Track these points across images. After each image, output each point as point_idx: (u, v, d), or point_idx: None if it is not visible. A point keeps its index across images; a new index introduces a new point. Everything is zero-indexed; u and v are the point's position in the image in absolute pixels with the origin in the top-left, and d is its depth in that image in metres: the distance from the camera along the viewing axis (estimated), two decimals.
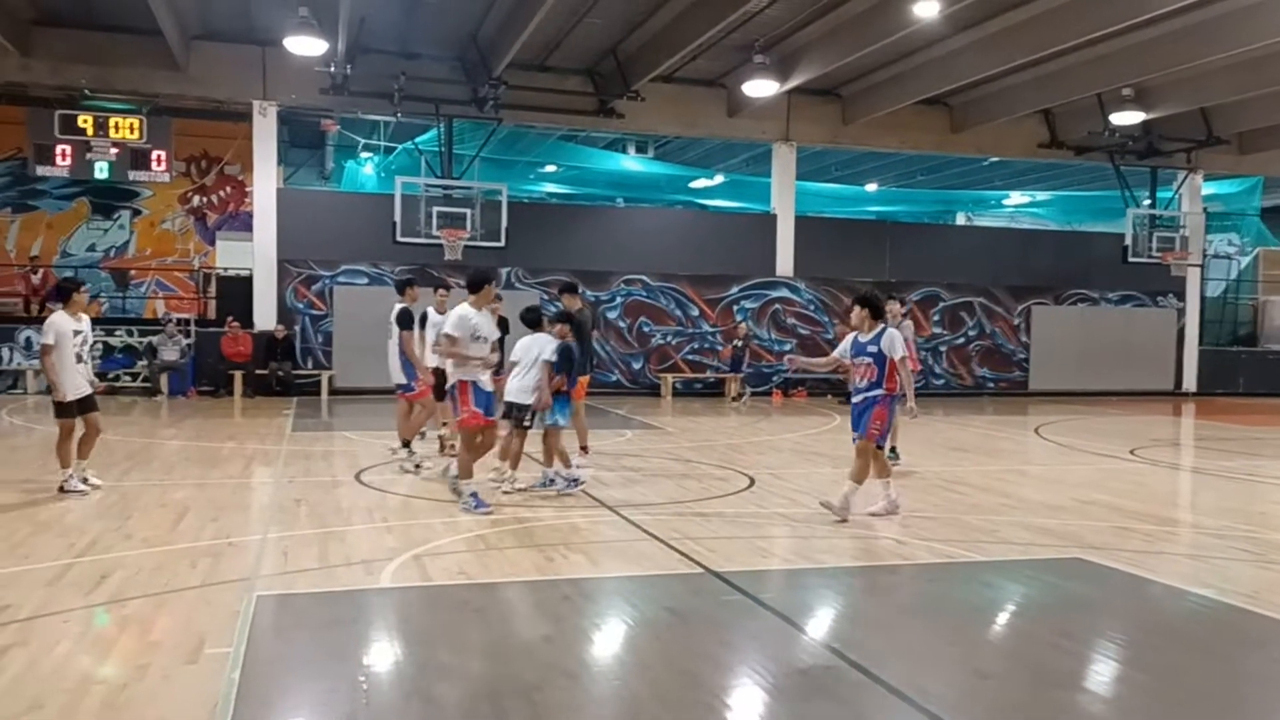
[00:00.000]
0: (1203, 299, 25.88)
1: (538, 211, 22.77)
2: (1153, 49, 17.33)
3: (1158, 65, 17.78)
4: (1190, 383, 25.05)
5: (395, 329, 10.40)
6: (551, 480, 9.07)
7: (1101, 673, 4.92)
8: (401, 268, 19.71)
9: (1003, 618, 5.97)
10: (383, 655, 4.87)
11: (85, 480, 8.84)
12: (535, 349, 8.86)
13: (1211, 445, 15.20)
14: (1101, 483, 10.49)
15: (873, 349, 8.17)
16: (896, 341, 8.13)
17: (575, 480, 9.09)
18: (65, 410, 8.74)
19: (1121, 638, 5.40)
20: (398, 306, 10.49)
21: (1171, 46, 17.02)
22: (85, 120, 18.68)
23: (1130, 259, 22.55)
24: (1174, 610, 6.12)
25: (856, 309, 8.32)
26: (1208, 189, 26.02)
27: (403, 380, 10.46)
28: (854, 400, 8.37)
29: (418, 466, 10.19)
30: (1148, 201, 23.87)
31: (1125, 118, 20.04)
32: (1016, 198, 31.90)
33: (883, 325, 8.27)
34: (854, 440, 8.33)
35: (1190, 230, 23.11)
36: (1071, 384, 23.63)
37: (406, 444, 10.45)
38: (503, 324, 9.94)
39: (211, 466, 10.66)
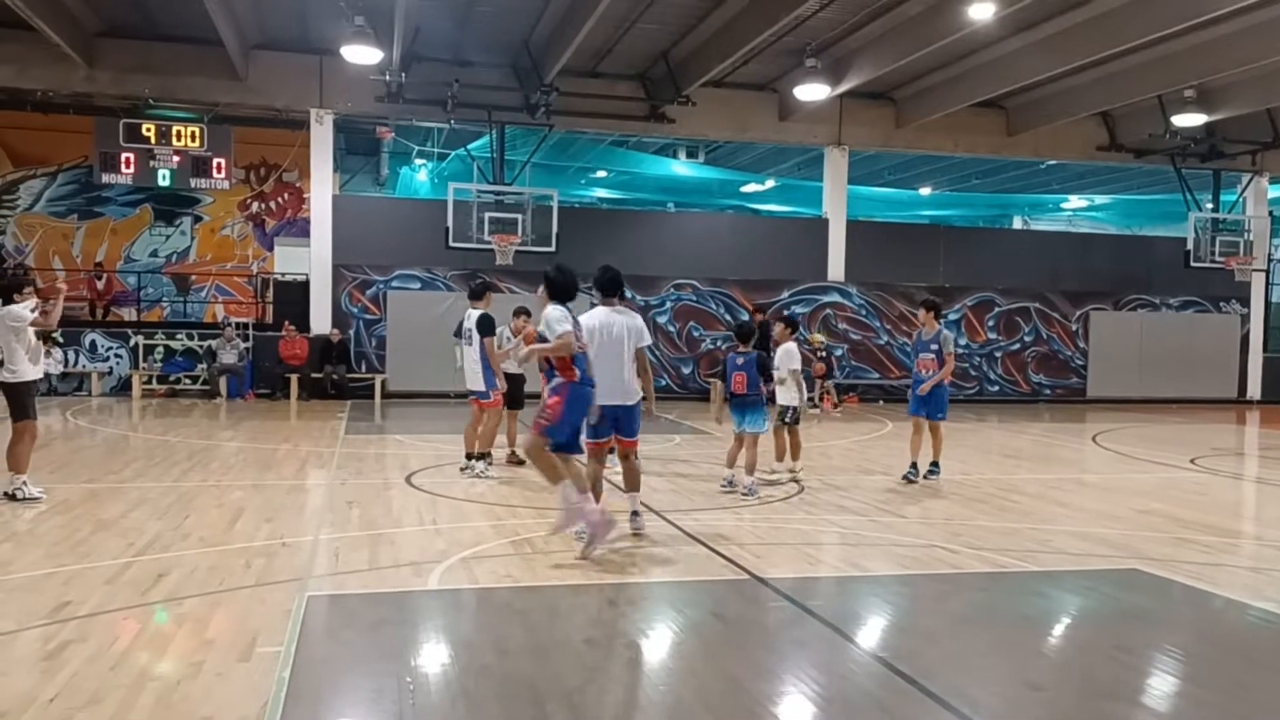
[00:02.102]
0: (1268, 304, 25.18)
1: (588, 216, 22.85)
2: (1216, 49, 16.92)
3: (1221, 65, 17.34)
4: (1255, 390, 24.41)
5: (476, 336, 10.14)
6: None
7: (1157, 687, 4.81)
8: (455, 271, 19.97)
9: (1056, 629, 5.86)
10: (429, 656, 4.92)
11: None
12: (781, 355, 10.11)
13: (1276, 454, 14.79)
14: (1160, 492, 10.26)
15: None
16: (551, 322, 6.87)
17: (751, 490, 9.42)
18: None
19: (1179, 651, 5.27)
20: (475, 313, 10.22)
21: (1235, 46, 16.60)
22: (149, 129, 19.18)
23: (1192, 264, 22.04)
24: (1234, 624, 5.96)
25: (541, 289, 7.23)
26: (1274, 191, 25.33)
27: (479, 387, 10.23)
28: None
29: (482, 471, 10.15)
30: (1210, 205, 23.30)
31: (1187, 120, 19.54)
32: (1075, 201, 31.37)
33: (553, 305, 7.00)
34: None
35: (1255, 234, 22.56)
36: (1131, 391, 23.15)
37: (480, 456, 10.27)
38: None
39: (267, 468, 10.86)
